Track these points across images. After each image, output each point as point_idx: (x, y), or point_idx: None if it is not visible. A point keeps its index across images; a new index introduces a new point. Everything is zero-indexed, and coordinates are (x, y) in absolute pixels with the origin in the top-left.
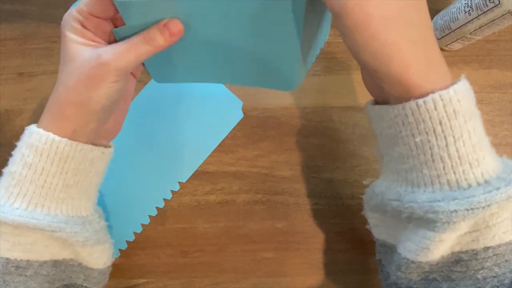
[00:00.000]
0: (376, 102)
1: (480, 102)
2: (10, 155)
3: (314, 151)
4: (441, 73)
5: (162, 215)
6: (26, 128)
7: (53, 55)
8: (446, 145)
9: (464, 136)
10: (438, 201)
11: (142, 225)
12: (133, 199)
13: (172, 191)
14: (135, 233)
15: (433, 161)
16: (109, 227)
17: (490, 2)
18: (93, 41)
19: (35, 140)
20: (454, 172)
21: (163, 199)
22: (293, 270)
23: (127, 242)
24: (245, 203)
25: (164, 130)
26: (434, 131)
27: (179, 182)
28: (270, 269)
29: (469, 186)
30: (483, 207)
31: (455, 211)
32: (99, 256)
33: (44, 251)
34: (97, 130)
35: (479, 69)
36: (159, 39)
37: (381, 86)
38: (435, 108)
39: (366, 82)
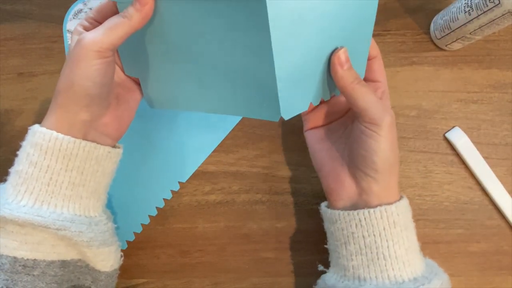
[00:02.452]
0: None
1: (480, 102)
2: (16, 155)
3: None
4: (391, 192)
5: (162, 215)
6: (29, 127)
7: (53, 55)
8: (387, 247)
9: (400, 242)
10: None
11: (142, 225)
12: (133, 199)
13: (172, 191)
14: (135, 233)
15: (378, 258)
16: None
17: (490, 2)
18: None
19: (39, 138)
20: (393, 269)
21: (163, 199)
22: (293, 270)
23: (127, 242)
24: (245, 203)
25: (164, 130)
26: (380, 234)
27: (179, 182)
28: (270, 269)
29: (403, 281)
30: None
31: None
32: (105, 259)
33: (51, 251)
34: (94, 125)
35: (479, 69)
36: (130, 10)
37: (342, 186)
38: (381, 217)
39: (324, 185)
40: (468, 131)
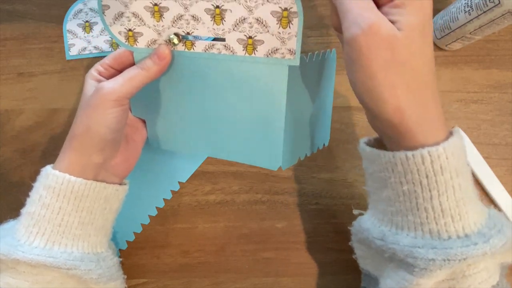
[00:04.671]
0: (370, 141)
1: (480, 102)
2: (27, 196)
3: None
4: (435, 124)
5: (162, 215)
6: (42, 169)
7: (53, 55)
8: (431, 198)
9: (448, 192)
10: (419, 247)
11: (142, 225)
12: (133, 199)
13: (172, 191)
14: (135, 233)
15: (418, 209)
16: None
17: (490, 2)
18: None
19: (52, 181)
20: (436, 223)
21: (163, 199)
22: (293, 270)
23: (127, 242)
24: (245, 203)
25: None
26: (421, 183)
27: (179, 182)
28: (270, 269)
29: (449, 237)
30: (459, 260)
31: (433, 259)
32: None
33: None
34: (105, 166)
35: (479, 69)
36: (148, 63)
37: (376, 124)
38: (423, 163)
39: (368, 117)
40: (468, 131)
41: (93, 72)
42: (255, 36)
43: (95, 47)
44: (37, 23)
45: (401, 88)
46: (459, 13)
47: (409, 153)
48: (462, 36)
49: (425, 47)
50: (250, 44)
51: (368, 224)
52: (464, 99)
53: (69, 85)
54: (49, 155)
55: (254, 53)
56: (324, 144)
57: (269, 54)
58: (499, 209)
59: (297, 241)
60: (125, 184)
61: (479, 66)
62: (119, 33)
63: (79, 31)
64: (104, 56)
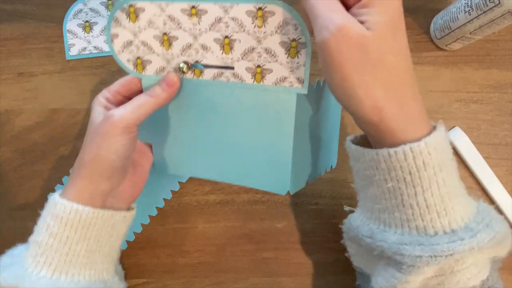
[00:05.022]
0: (356, 138)
1: (480, 102)
2: (35, 223)
3: None
4: (416, 120)
5: (162, 215)
6: (49, 197)
7: (53, 55)
8: (415, 194)
9: (432, 187)
10: (406, 244)
11: (142, 225)
12: None
13: (172, 191)
14: (135, 233)
15: (403, 206)
16: None
17: (490, 2)
18: None
19: (59, 211)
20: (422, 219)
21: (163, 199)
22: (293, 270)
23: (127, 242)
24: (245, 203)
25: None
26: (404, 179)
27: (179, 182)
28: (270, 269)
29: (436, 233)
30: (446, 256)
31: (420, 256)
32: None
33: None
34: (113, 193)
35: (479, 69)
36: (157, 90)
37: (360, 124)
38: (405, 159)
39: (353, 118)
40: (468, 131)
41: (100, 99)
42: (264, 65)
43: (95, 47)
44: (37, 23)
45: (376, 87)
46: (459, 13)
47: (392, 150)
48: (462, 36)
49: (398, 44)
50: (259, 72)
51: (357, 222)
52: (464, 99)
53: (69, 85)
54: (49, 155)
55: (263, 81)
56: (331, 166)
57: (278, 82)
58: (499, 209)
59: (297, 241)
60: (132, 209)
61: (479, 66)
62: (128, 60)
63: (79, 31)
64: (104, 56)
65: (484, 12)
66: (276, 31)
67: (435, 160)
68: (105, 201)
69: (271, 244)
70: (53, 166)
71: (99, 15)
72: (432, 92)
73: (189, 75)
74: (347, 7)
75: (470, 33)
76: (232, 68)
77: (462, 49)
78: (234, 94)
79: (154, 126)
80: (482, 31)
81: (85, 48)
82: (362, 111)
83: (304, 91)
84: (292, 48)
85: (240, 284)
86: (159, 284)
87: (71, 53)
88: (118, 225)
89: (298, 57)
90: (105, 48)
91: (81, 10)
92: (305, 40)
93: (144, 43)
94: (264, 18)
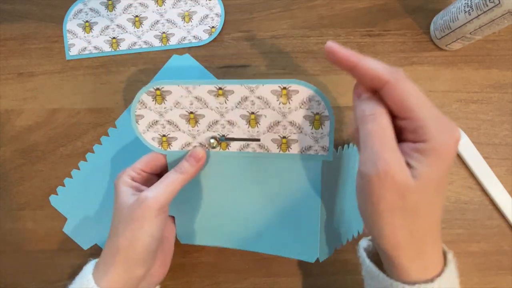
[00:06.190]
0: (369, 247)
1: (480, 102)
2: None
3: None
4: (430, 261)
5: None
6: (85, 280)
7: (53, 55)
8: None
9: None
10: None
11: None
12: None
13: None
14: None
15: None
16: None
17: (490, 2)
18: (140, 190)
19: None
20: None
21: None
22: (293, 270)
23: None
24: None
25: None
26: None
27: None
28: (270, 269)
29: None
30: None
31: None
32: None
33: None
34: (145, 276)
35: (479, 69)
36: (186, 166)
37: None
38: None
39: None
40: (468, 131)
41: (125, 178)
42: (289, 136)
43: (95, 47)
44: (37, 23)
45: (402, 230)
46: (459, 13)
47: (407, 287)
48: (462, 36)
49: (437, 198)
50: (284, 143)
51: None
52: (464, 99)
53: (69, 85)
54: (49, 155)
55: (288, 151)
56: (358, 232)
57: (303, 151)
58: (499, 209)
59: None
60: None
61: (479, 66)
62: (153, 139)
63: (79, 31)
64: (104, 56)
65: (484, 12)
66: (300, 107)
67: None
68: (137, 286)
69: None
70: (53, 166)
71: (99, 15)
72: (432, 92)
73: (216, 148)
74: (401, 139)
75: (470, 33)
76: (258, 140)
77: (462, 49)
78: (259, 164)
79: (177, 197)
80: (482, 31)
81: (85, 48)
82: (383, 244)
83: (330, 158)
84: (316, 121)
85: (240, 284)
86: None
87: (71, 53)
88: None
89: (322, 128)
90: (105, 48)
91: (81, 10)
92: (328, 113)
93: (170, 122)
94: (288, 96)
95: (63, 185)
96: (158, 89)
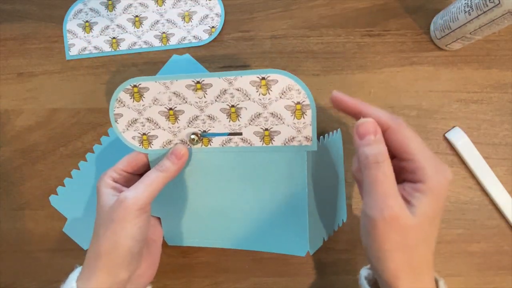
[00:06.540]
0: (370, 275)
1: (480, 102)
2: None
3: None
4: (425, 283)
5: None
6: (68, 285)
7: (53, 55)
8: None
9: None
10: None
11: None
12: None
13: None
14: None
15: None
16: None
17: (490, 2)
18: (121, 191)
19: None
20: None
21: None
22: (293, 270)
23: None
24: None
25: None
26: None
27: None
28: (270, 269)
29: None
30: None
31: None
32: None
33: None
34: (131, 279)
35: (479, 69)
36: (167, 164)
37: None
38: None
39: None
40: (468, 131)
41: (107, 180)
42: (271, 127)
43: (95, 47)
44: (37, 23)
45: (403, 264)
46: (459, 13)
47: None
48: (462, 36)
49: (432, 232)
50: (267, 135)
51: None
52: (464, 99)
53: (69, 85)
54: (49, 155)
55: (271, 143)
56: (343, 220)
57: (287, 142)
58: (499, 209)
59: None
60: None
61: (479, 66)
62: (133, 138)
63: (79, 31)
64: (104, 56)
65: (484, 12)
66: (280, 97)
67: None
68: None
69: None
70: (53, 166)
71: (99, 15)
72: (432, 92)
73: (197, 145)
74: (400, 178)
75: (470, 33)
76: (240, 133)
77: (462, 49)
78: (243, 158)
79: (161, 198)
80: (482, 31)
81: (85, 48)
82: (385, 275)
83: (314, 148)
84: (298, 111)
85: (240, 284)
86: (159, 284)
87: (71, 53)
88: None
89: (304, 118)
90: (105, 48)
91: (81, 10)
92: (309, 102)
93: (150, 120)
94: (268, 86)
95: (63, 185)
96: (135, 86)
